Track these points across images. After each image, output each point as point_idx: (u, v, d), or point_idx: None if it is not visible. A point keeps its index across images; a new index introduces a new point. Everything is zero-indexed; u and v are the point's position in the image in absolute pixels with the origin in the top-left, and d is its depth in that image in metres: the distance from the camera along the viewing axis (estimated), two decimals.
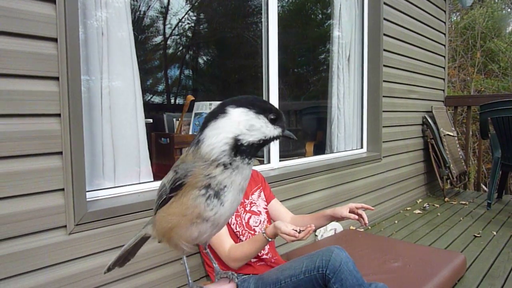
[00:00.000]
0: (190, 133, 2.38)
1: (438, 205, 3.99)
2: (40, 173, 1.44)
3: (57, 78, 1.46)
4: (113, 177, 1.86)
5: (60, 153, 1.49)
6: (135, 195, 1.83)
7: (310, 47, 5.12)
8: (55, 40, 1.45)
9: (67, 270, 1.53)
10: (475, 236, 3.01)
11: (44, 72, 1.43)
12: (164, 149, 2.28)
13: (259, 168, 2.53)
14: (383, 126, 3.56)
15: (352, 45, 3.44)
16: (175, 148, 2.23)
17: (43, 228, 1.46)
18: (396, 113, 3.79)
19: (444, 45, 4.77)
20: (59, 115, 1.47)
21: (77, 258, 1.56)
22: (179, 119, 2.36)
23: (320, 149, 3.60)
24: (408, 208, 3.89)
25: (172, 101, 5.00)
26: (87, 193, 1.63)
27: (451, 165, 4.18)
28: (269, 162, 2.64)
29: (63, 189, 1.50)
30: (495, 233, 3.09)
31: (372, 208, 1.70)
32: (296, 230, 1.47)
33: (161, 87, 4.93)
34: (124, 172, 1.89)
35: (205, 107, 2.36)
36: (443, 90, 4.82)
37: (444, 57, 4.79)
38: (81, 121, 1.52)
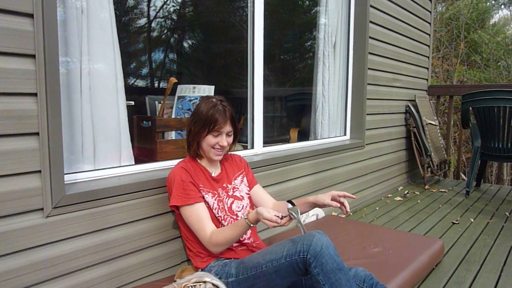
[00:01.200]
0: (173, 116, 2.34)
1: (418, 193, 4.06)
2: (16, 154, 1.40)
3: (33, 56, 1.41)
4: (93, 160, 1.82)
5: (37, 133, 1.44)
6: (115, 179, 1.80)
7: (296, 34, 5.08)
8: (31, 16, 1.39)
9: (45, 254, 1.50)
10: (453, 223, 3.08)
11: (19, 49, 1.38)
12: (146, 132, 2.24)
13: (242, 153, 2.52)
14: (367, 114, 3.58)
15: (338, 32, 3.42)
16: (157, 132, 2.19)
17: (18, 210, 1.42)
18: (380, 101, 3.81)
19: (429, 35, 4.80)
20: (35, 94, 1.42)
21: (55, 241, 1.52)
22: (162, 102, 2.32)
23: (304, 135, 3.61)
24: (389, 195, 3.95)
25: (156, 85, 4.92)
26: (65, 175, 1.59)
27: (432, 154, 4.24)
28: (252, 147, 2.62)
29: (39, 171, 1.46)
30: (472, 220, 3.17)
31: (354, 196, 1.72)
32: (278, 216, 1.46)
33: (144, 71, 4.83)
34: (104, 155, 1.85)
35: (188, 90, 2.32)
36: (427, 80, 4.87)
37: (429, 46, 4.83)
38: (59, 101, 1.48)
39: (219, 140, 1.72)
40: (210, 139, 1.72)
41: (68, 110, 1.72)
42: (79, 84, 1.75)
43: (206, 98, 1.76)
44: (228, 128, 1.73)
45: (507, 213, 3.34)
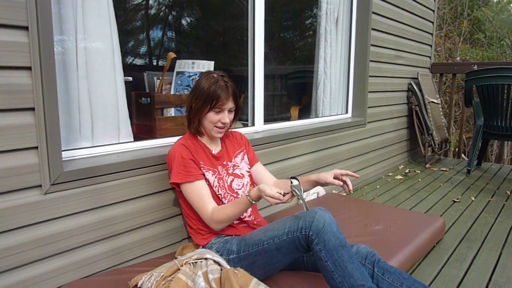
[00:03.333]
0: (172, 92, 2.29)
1: (419, 171, 4.05)
2: (11, 130, 1.36)
3: (26, 28, 1.36)
4: (91, 137, 1.79)
5: (32, 109, 1.41)
6: (114, 155, 1.77)
7: (297, 11, 4.97)
8: None
9: (45, 231, 1.48)
10: (454, 201, 3.07)
11: (11, 20, 1.32)
12: (145, 109, 2.20)
13: (243, 130, 2.48)
14: (369, 92, 3.53)
15: (340, 7, 3.34)
16: (156, 108, 2.15)
17: (16, 187, 1.40)
18: (382, 78, 3.76)
19: (433, 10, 4.70)
20: (29, 68, 1.38)
21: (55, 218, 1.51)
22: (160, 78, 2.27)
23: (305, 113, 3.56)
24: (390, 174, 3.94)
25: (155, 63, 4.85)
26: (63, 152, 1.56)
27: (434, 132, 4.21)
28: (253, 125, 2.59)
29: (36, 147, 1.43)
30: (473, 198, 3.16)
31: (357, 175, 1.69)
32: (280, 193, 1.44)
33: (143, 49, 4.76)
34: (102, 132, 1.82)
35: (187, 65, 2.26)
36: (430, 57, 4.79)
37: (433, 23, 4.73)
38: (54, 75, 1.43)
39: (221, 117, 1.69)
40: (212, 116, 1.68)
41: (65, 86, 1.68)
42: (75, 60, 1.70)
43: (207, 74, 1.71)
44: (230, 104, 1.69)
45: (508, 192, 3.33)
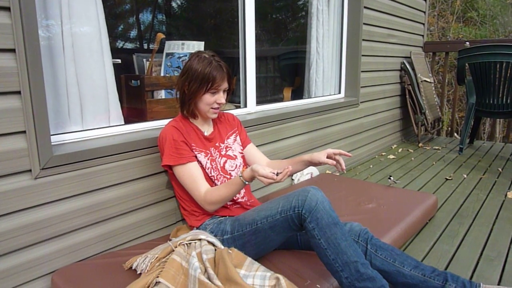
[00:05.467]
0: (162, 74, 2.26)
1: (412, 150, 4.07)
2: None
3: (8, 9, 1.32)
4: (81, 121, 1.76)
5: (18, 92, 1.38)
6: (105, 139, 1.75)
7: None
8: None
9: (36, 216, 1.47)
10: (447, 179, 3.10)
11: None
12: (135, 92, 2.17)
13: (235, 112, 2.47)
14: (362, 71, 3.51)
15: None
16: (146, 91, 2.12)
17: (5, 172, 1.38)
18: (375, 57, 3.73)
19: None
20: (13, 50, 1.34)
21: (46, 203, 1.49)
22: (149, 59, 2.23)
23: (298, 94, 3.54)
24: (383, 153, 3.95)
25: (145, 46, 4.77)
26: (52, 136, 1.54)
27: (427, 111, 4.22)
28: (245, 106, 2.57)
29: (24, 132, 1.41)
30: (465, 176, 3.19)
31: (350, 154, 1.69)
32: (274, 173, 1.44)
33: (133, 33, 4.67)
34: (92, 115, 1.79)
35: (177, 46, 2.22)
36: (423, 36, 4.76)
37: (426, 0, 4.68)
38: (39, 57, 1.40)
39: (216, 97, 1.67)
40: (207, 98, 1.66)
41: (51, 70, 1.64)
42: (61, 43, 1.66)
43: (197, 55, 1.68)
44: (225, 84, 1.67)
45: (499, 169, 3.36)
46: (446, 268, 1.80)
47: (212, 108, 1.69)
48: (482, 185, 2.97)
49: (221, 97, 1.68)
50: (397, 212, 2.08)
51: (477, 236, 2.12)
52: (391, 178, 2.63)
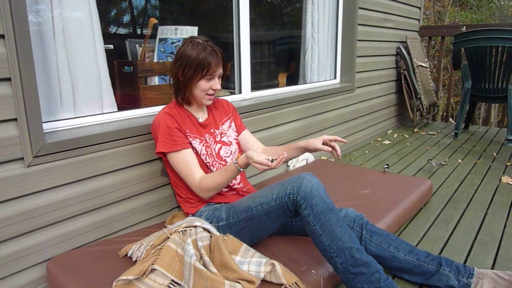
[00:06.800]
0: (155, 60, 2.23)
1: (407, 136, 4.07)
2: None
3: None
4: (73, 108, 1.74)
5: (9, 79, 1.35)
6: (98, 126, 1.73)
7: None
8: None
9: (30, 204, 1.46)
10: (442, 164, 3.11)
11: None
12: (128, 78, 2.14)
13: (230, 98, 2.44)
14: (357, 56, 3.48)
15: None
16: (139, 77, 2.09)
17: None
18: (371, 42, 3.70)
19: None
20: (2, 36, 1.31)
21: (40, 191, 1.48)
22: (142, 45, 2.20)
23: (293, 80, 3.52)
24: (378, 139, 3.96)
25: (139, 32, 4.70)
26: (44, 124, 1.53)
27: (422, 96, 4.21)
28: (240, 92, 2.55)
29: (16, 119, 1.39)
30: (460, 161, 3.20)
31: (345, 141, 1.68)
32: (268, 159, 1.43)
33: (126, 18, 4.60)
34: (84, 102, 1.77)
35: (170, 31, 2.19)
36: (418, 20, 4.72)
37: None
38: (29, 42, 1.37)
39: (212, 83, 1.65)
40: (203, 84, 1.64)
41: (42, 56, 1.61)
42: (52, 29, 1.63)
43: (190, 40, 1.65)
44: (220, 70, 1.65)
45: (494, 154, 3.37)
46: (440, 253, 1.82)
47: (207, 94, 1.67)
48: (476, 170, 2.98)
49: (216, 83, 1.66)
50: (392, 198, 2.09)
51: (471, 221, 2.13)
52: (387, 167, 2.62)
